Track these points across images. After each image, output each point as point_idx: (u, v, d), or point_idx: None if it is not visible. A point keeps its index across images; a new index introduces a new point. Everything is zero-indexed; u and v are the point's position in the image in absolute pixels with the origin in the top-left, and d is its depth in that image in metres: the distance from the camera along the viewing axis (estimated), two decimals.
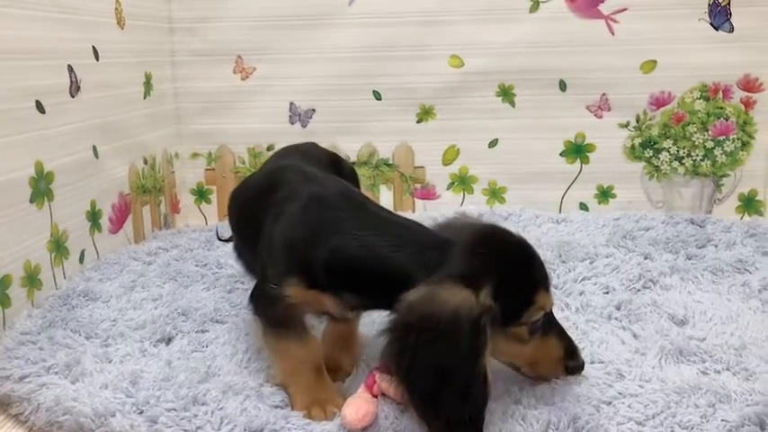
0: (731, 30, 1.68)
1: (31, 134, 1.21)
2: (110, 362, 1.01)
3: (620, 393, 0.89)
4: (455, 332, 0.76)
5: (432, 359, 0.77)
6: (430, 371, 0.77)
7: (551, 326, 0.89)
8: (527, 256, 0.86)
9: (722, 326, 1.09)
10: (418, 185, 1.86)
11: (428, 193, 1.86)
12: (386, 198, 1.86)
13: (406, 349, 0.77)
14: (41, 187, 1.24)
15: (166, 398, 0.89)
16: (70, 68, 1.34)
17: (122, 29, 1.56)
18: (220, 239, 1.61)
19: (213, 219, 1.90)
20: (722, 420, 0.81)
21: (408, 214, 1.79)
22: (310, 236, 0.89)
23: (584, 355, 0.99)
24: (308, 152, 1.32)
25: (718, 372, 0.94)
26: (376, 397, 0.87)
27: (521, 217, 1.72)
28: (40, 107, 1.24)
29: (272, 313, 0.92)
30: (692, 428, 0.81)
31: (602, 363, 0.97)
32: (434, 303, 0.77)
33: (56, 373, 0.97)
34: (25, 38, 1.21)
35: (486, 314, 0.78)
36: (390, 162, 1.85)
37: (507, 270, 0.82)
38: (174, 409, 0.87)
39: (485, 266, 0.81)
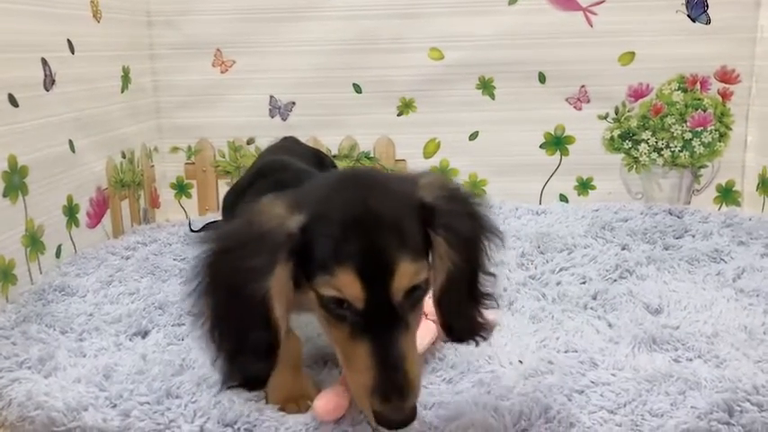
0: (708, 21, 1.69)
1: (3, 128, 1.20)
2: (84, 356, 1.00)
3: (592, 382, 0.89)
4: (251, 237, 0.71)
5: (225, 265, 0.72)
6: (219, 280, 0.72)
7: (373, 338, 0.69)
8: (356, 219, 0.70)
9: (696, 314, 1.10)
10: None
11: None
12: None
13: (212, 253, 0.74)
14: (15, 181, 1.23)
15: (140, 391, 0.88)
16: (44, 61, 1.33)
17: (98, 22, 1.55)
18: (192, 231, 1.62)
19: (194, 213, 1.89)
20: (692, 407, 0.82)
21: None
22: None
23: (559, 344, 1.01)
24: (293, 148, 1.35)
25: (690, 360, 0.95)
26: None
27: (501, 209, 1.73)
28: (12, 101, 1.22)
29: None
30: (663, 416, 0.82)
31: (576, 352, 0.98)
32: (252, 212, 0.74)
33: (29, 367, 0.96)
34: None
35: (288, 237, 0.71)
36: (371, 155, 1.85)
37: (323, 213, 0.72)
38: (148, 403, 0.86)
39: (313, 198, 0.74)
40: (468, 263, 0.78)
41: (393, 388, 0.68)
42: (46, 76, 1.33)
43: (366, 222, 0.70)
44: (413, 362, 0.70)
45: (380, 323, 0.70)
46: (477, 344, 0.84)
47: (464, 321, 0.81)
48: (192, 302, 0.75)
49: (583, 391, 0.87)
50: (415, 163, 1.84)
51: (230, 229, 0.76)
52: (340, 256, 0.69)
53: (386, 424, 0.69)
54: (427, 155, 1.84)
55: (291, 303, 0.75)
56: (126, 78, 1.67)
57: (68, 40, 1.42)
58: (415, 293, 0.72)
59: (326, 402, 0.82)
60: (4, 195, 1.20)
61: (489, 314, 1.07)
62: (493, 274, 0.83)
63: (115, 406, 0.86)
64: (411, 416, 0.69)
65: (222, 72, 1.82)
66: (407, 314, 0.72)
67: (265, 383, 0.76)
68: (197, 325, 0.76)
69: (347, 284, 0.69)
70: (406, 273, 0.70)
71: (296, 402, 0.87)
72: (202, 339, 0.77)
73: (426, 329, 0.96)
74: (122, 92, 1.66)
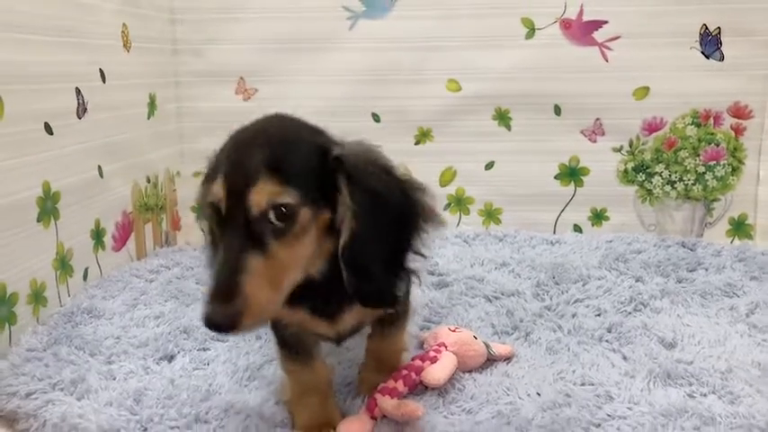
0: (722, 58, 1.72)
1: (39, 155, 1.24)
2: (114, 379, 1.04)
3: (609, 415, 0.91)
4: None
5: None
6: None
7: (224, 246, 0.74)
8: (243, 141, 0.81)
9: (710, 349, 1.12)
10: None
11: None
12: None
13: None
14: (48, 207, 1.27)
15: (170, 416, 0.91)
16: (78, 91, 1.38)
17: (128, 51, 1.60)
18: None
19: None
20: None
21: None
22: None
23: (576, 376, 1.03)
24: None
25: (705, 395, 0.97)
26: (375, 419, 0.89)
27: (515, 238, 1.76)
28: (48, 129, 1.27)
29: (278, 333, 0.93)
30: None
31: (593, 385, 1.00)
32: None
33: (61, 389, 0.99)
34: (35, 62, 1.24)
35: None
36: None
37: (230, 136, 0.83)
38: (177, 427, 0.89)
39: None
40: (378, 224, 0.80)
41: (218, 291, 0.70)
42: (79, 104, 1.38)
43: (249, 144, 0.77)
44: (252, 279, 0.71)
45: (235, 234, 0.73)
46: (385, 310, 0.89)
47: (372, 285, 0.81)
48: None
49: (599, 425, 0.90)
50: (432, 191, 1.87)
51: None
52: (218, 167, 0.77)
53: (206, 324, 0.70)
54: (443, 183, 1.88)
55: None
56: (152, 105, 1.72)
57: (100, 70, 1.47)
58: (279, 216, 0.74)
59: (349, 429, 0.85)
60: (38, 221, 1.24)
61: (504, 346, 1.10)
62: (422, 254, 0.86)
63: (146, 430, 0.89)
64: (230, 323, 0.69)
65: (245, 99, 1.87)
66: (267, 236, 0.74)
67: None
68: None
69: (215, 188, 0.74)
70: (263, 189, 0.73)
71: (319, 430, 0.90)
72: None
73: (448, 360, 0.99)
74: (148, 118, 1.71)
